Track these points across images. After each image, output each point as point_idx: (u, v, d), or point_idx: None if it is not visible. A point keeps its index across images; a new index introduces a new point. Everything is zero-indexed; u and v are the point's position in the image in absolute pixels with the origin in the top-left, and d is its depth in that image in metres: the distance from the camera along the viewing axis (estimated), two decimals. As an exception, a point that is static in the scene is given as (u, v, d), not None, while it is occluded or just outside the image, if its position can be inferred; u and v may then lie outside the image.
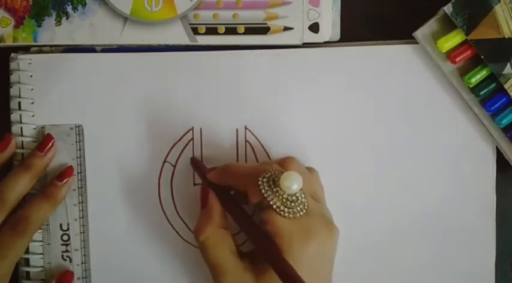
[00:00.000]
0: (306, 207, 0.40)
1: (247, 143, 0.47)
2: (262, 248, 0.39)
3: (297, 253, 0.38)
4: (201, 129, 0.47)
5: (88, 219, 0.46)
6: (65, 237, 0.46)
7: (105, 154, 0.46)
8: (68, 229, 0.46)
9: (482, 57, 0.44)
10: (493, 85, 0.45)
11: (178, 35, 0.46)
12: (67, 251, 0.46)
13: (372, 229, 0.47)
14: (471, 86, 0.45)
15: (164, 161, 0.47)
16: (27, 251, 0.45)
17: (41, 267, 0.46)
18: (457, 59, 0.44)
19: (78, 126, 0.46)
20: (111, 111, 0.46)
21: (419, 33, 0.45)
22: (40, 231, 0.46)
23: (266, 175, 0.40)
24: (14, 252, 0.43)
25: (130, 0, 0.45)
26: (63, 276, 0.46)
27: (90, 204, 0.46)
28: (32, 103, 0.46)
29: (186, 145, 0.47)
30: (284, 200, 0.39)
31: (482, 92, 0.45)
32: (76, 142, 0.46)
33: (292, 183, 0.39)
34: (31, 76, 0.46)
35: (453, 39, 0.44)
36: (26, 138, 0.46)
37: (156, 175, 0.47)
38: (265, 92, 0.46)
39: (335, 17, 0.47)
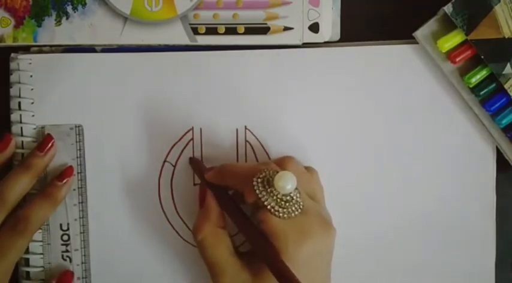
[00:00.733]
0: (301, 207, 0.40)
1: (247, 143, 0.47)
2: (259, 248, 0.39)
3: (293, 253, 0.38)
4: (201, 129, 0.47)
5: (88, 219, 0.46)
6: (65, 237, 0.46)
7: (105, 154, 0.46)
8: (68, 229, 0.46)
9: (482, 57, 0.44)
10: (493, 85, 0.45)
11: (178, 35, 0.46)
12: (67, 251, 0.46)
13: (372, 229, 0.47)
14: (471, 86, 0.45)
15: (164, 161, 0.47)
16: (27, 251, 0.45)
17: (41, 267, 0.46)
18: (457, 59, 0.44)
19: (78, 126, 0.46)
20: (111, 111, 0.46)
21: (419, 33, 0.45)
22: (40, 231, 0.46)
23: (261, 176, 0.40)
24: (14, 251, 0.43)
25: (130, 0, 0.45)
26: (63, 276, 0.46)
27: (90, 204, 0.46)
28: (32, 103, 0.46)
29: (186, 145, 0.47)
30: (278, 200, 0.39)
31: (482, 92, 0.45)
32: (76, 142, 0.46)
33: (286, 183, 0.39)
34: (31, 76, 0.46)
35: (453, 39, 0.44)
36: (26, 138, 0.46)
37: (156, 175, 0.47)
38: (265, 92, 0.46)
39: (335, 17, 0.47)
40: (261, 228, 0.40)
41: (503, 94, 0.45)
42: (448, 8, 0.44)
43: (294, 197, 0.40)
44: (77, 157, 0.46)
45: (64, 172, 0.45)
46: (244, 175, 0.41)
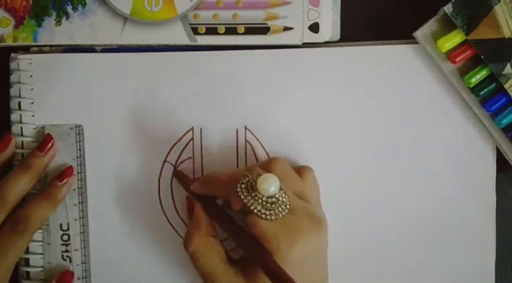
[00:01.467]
0: (287, 207, 0.40)
1: (247, 143, 0.47)
2: (251, 252, 0.39)
3: (285, 254, 0.38)
4: (201, 129, 0.47)
5: (88, 219, 0.46)
6: (65, 237, 0.46)
7: (105, 154, 0.46)
8: (68, 229, 0.46)
9: (482, 57, 0.44)
10: (493, 85, 0.45)
11: (178, 35, 0.46)
12: (67, 251, 0.46)
13: (372, 229, 0.47)
14: (471, 86, 0.45)
15: (164, 161, 0.47)
16: (27, 251, 0.45)
17: (41, 267, 0.46)
18: (457, 59, 0.44)
19: (78, 126, 0.46)
20: (111, 111, 0.46)
21: (419, 33, 0.45)
22: (40, 231, 0.46)
23: (244, 181, 0.40)
24: (14, 251, 0.43)
25: (130, 0, 0.45)
26: (63, 276, 0.46)
27: (90, 204, 0.46)
28: (32, 103, 0.46)
29: (186, 145, 0.47)
30: (264, 203, 0.39)
31: (482, 92, 0.45)
32: (76, 142, 0.46)
33: (269, 185, 0.39)
34: (31, 76, 0.46)
35: (453, 39, 0.44)
36: (26, 138, 0.46)
37: (156, 175, 0.47)
38: (265, 92, 0.46)
39: (335, 17, 0.47)
40: (251, 232, 0.40)
41: (503, 94, 0.45)
42: (448, 8, 0.44)
43: (280, 198, 0.40)
44: (77, 157, 0.46)
45: (64, 172, 0.45)
46: (227, 182, 0.41)
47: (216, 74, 0.46)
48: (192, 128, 0.47)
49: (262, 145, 0.47)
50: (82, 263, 0.46)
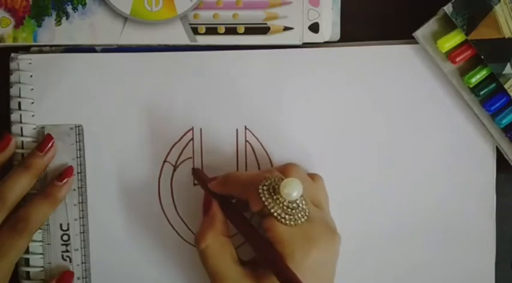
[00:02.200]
0: (307, 214, 0.40)
1: (247, 143, 0.47)
2: (265, 255, 0.39)
3: (299, 260, 0.38)
4: (201, 129, 0.47)
5: (88, 219, 0.46)
6: (65, 237, 0.46)
7: (105, 154, 0.46)
8: (68, 229, 0.46)
9: (482, 57, 0.44)
10: (493, 85, 0.45)
11: (178, 35, 0.46)
12: (67, 251, 0.46)
13: (372, 229, 0.47)
14: (471, 86, 0.45)
15: (164, 161, 0.47)
16: (27, 251, 0.45)
17: (41, 267, 0.46)
18: (457, 59, 0.44)
19: (78, 126, 0.46)
20: (111, 111, 0.46)
21: (419, 33, 0.45)
22: (40, 231, 0.46)
23: (266, 183, 0.40)
24: (14, 251, 0.43)
25: (130, 0, 0.45)
26: (63, 276, 0.46)
27: (90, 204, 0.46)
28: (32, 103, 0.46)
29: (186, 145, 0.47)
30: (285, 207, 0.39)
31: (482, 92, 0.45)
32: (76, 142, 0.46)
33: (292, 190, 0.39)
34: (31, 76, 0.46)
35: (453, 39, 0.44)
36: (26, 138, 0.46)
37: (156, 175, 0.47)
38: (265, 92, 0.46)
39: (335, 17, 0.47)
40: (267, 235, 0.39)
41: (503, 94, 0.45)
42: (448, 8, 0.44)
43: (300, 204, 0.39)
44: (77, 157, 0.46)
45: (64, 172, 0.45)
46: (248, 183, 0.41)
47: (216, 74, 0.46)
48: (192, 128, 0.47)
49: (262, 145, 0.47)
50: (82, 263, 0.46)
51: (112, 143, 0.46)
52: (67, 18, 0.45)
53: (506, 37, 0.44)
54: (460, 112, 0.47)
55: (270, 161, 0.47)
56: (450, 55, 0.45)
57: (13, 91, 0.46)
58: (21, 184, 0.44)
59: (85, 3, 0.45)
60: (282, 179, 0.39)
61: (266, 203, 0.39)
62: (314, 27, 0.46)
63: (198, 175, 0.46)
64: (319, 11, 0.46)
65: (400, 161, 0.47)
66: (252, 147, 0.47)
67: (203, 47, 0.46)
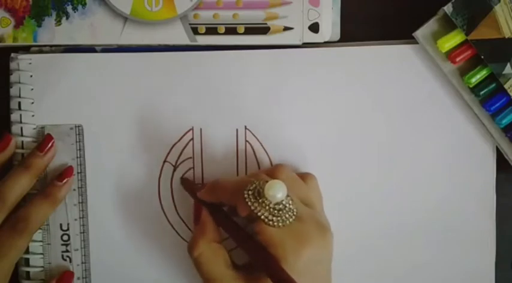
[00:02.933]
0: (295, 214, 0.40)
1: (247, 143, 0.47)
2: (258, 259, 0.39)
3: (292, 261, 0.38)
4: (201, 129, 0.47)
5: (88, 219, 0.46)
6: (65, 237, 0.46)
7: (105, 154, 0.46)
8: (68, 229, 0.46)
9: (482, 57, 0.44)
10: (493, 85, 0.45)
11: (178, 35, 0.46)
12: (67, 251, 0.46)
13: (372, 229, 0.47)
14: (471, 86, 0.45)
15: (164, 161, 0.47)
16: (27, 251, 0.45)
17: (41, 267, 0.46)
18: (457, 59, 0.44)
19: (78, 126, 0.46)
20: (111, 111, 0.46)
21: (419, 33, 0.45)
22: (40, 231, 0.46)
23: (251, 188, 0.40)
24: (14, 251, 0.43)
25: (130, 0, 0.45)
26: (63, 276, 0.46)
27: (90, 204, 0.46)
28: (32, 103, 0.46)
29: (186, 145, 0.47)
30: (271, 210, 0.39)
31: (482, 92, 0.45)
32: (76, 142, 0.46)
33: (277, 191, 0.39)
34: (31, 76, 0.46)
35: (453, 39, 0.44)
36: (26, 138, 0.46)
37: (156, 175, 0.47)
38: (265, 92, 0.46)
39: (335, 17, 0.47)
40: (258, 239, 0.39)
41: (503, 94, 0.45)
42: (448, 8, 0.44)
43: (287, 205, 0.39)
44: (77, 157, 0.46)
45: (64, 172, 0.45)
46: (234, 189, 0.41)
47: (216, 74, 0.46)
48: (192, 128, 0.47)
49: (262, 145, 0.47)
50: (82, 263, 0.46)
51: (112, 143, 0.46)
52: (67, 18, 0.45)
53: (506, 37, 0.44)
54: (460, 112, 0.47)
55: (270, 161, 0.47)
56: (450, 55, 0.45)
57: (13, 91, 0.46)
58: (21, 184, 0.44)
59: (85, 3, 0.45)
60: (267, 182, 0.39)
61: (252, 207, 0.39)
62: (314, 27, 0.46)
63: (186, 184, 0.46)
64: (319, 11, 0.46)
65: (400, 161, 0.47)
66: (252, 147, 0.47)
67: (203, 47, 0.46)
